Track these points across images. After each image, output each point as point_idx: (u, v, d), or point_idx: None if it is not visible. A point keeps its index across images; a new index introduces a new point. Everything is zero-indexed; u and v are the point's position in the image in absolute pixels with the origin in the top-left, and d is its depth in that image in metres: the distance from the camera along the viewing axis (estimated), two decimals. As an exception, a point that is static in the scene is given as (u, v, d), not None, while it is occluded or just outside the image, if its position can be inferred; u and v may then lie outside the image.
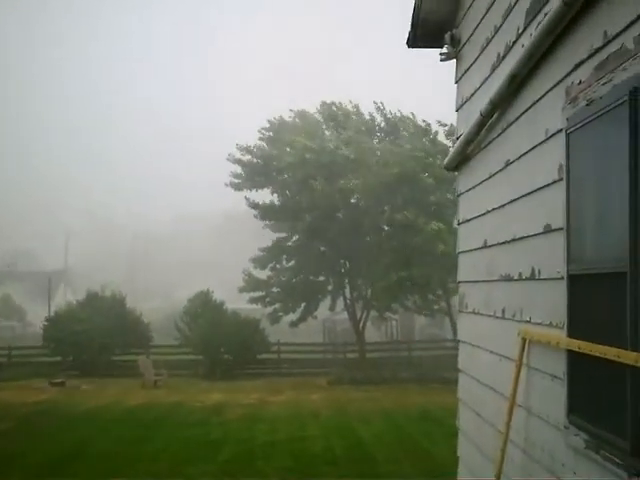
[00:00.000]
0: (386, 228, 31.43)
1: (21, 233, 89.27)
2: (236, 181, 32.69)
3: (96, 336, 30.63)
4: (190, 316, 33.05)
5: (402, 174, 28.56)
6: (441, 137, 30.76)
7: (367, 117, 33.35)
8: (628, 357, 3.09)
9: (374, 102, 33.11)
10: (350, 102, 33.70)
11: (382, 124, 33.17)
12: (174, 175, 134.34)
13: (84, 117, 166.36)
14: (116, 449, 15.32)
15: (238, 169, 32.68)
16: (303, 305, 33.20)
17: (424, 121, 31.27)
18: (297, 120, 33.48)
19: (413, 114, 32.09)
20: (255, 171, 32.48)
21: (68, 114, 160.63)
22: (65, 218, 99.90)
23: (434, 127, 30.82)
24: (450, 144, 28.91)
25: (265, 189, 32.86)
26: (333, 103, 33.58)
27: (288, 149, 30.96)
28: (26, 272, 73.01)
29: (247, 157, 32.64)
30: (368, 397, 23.79)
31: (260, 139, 33.08)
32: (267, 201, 32.91)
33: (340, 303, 34.73)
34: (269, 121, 33.51)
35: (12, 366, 31.49)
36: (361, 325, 33.67)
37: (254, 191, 32.72)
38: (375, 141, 32.74)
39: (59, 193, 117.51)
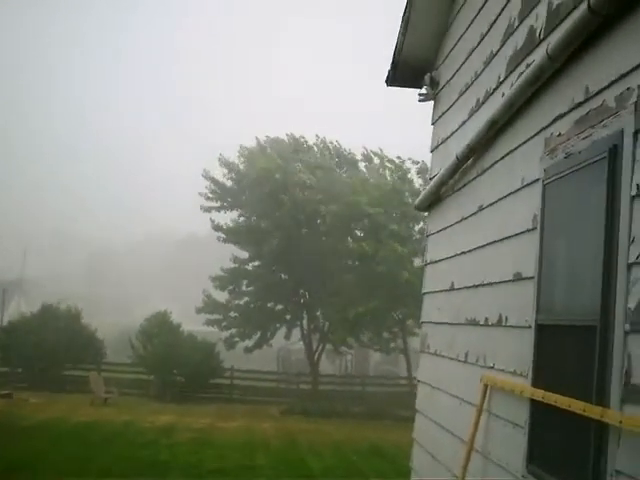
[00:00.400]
0: (350, 262, 31.60)
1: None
2: (210, 195, 32.74)
3: (48, 349, 30.11)
4: (146, 335, 32.67)
5: (366, 204, 28.79)
6: (413, 175, 31.21)
7: (331, 150, 33.76)
8: (593, 411, 3.09)
9: (331, 142, 33.97)
10: (317, 136, 34.13)
11: (336, 159, 33.55)
12: (143, 191, 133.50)
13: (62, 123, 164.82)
14: (61, 466, 14.96)
15: (211, 186, 32.73)
16: (259, 332, 33.06)
17: (399, 157, 31.61)
18: (271, 146, 33.66)
19: (381, 149, 32.47)
20: (227, 190, 32.57)
21: (52, 120, 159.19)
22: (23, 226, 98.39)
23: (407, 164, 31.24)
24: (421, 181, 29.30)
25: (234, 211, 32.95)
26: (298, 136, 34.04)
27: (261, 171, 31.07)
28: (-22, 282, 71.31)
29: (224, 170, 32.77)
30: (319, 429, 23.59)
31: (239, 154, 33.28)
32: (232, 222, 32.96)
33: (296, 333, 34.65)
34: (256, 138, 33.97)
35: (-41, 375, 30.79)
36: (316, 357, 33.58)
37: (222, 212, 32.80)
38: (344, 175, 32.97)
39: (19, 202, 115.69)
